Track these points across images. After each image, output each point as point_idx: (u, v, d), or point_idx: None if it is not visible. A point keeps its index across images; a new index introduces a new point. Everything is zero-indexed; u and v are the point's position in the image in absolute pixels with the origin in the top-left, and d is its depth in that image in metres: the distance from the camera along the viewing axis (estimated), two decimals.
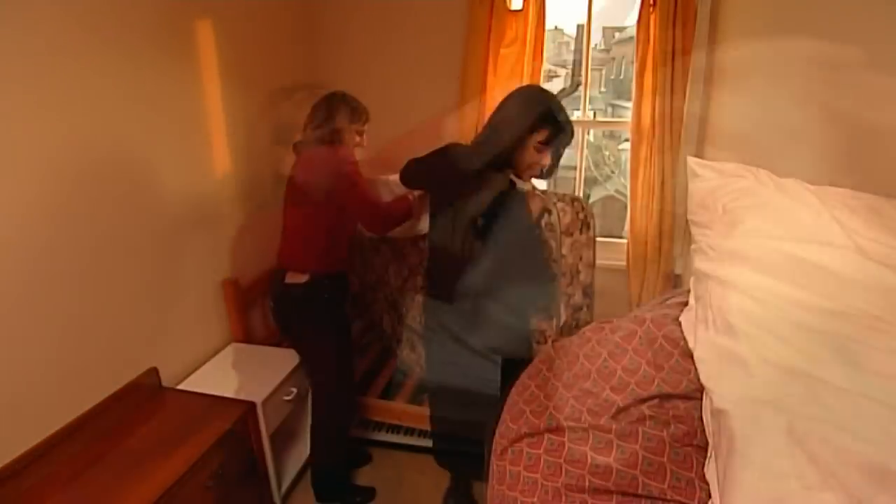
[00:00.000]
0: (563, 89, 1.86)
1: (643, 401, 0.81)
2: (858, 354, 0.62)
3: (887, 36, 1.05)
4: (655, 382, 0.84)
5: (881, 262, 0.90)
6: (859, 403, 0.56)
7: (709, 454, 0.72)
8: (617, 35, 5.67)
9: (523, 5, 2.43)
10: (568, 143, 1.54)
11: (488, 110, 2.57)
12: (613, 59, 5.86)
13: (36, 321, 1.41)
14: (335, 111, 1.80)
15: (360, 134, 1.87)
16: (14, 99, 1.32)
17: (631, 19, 2.36)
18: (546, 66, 2.61)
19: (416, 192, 1.85)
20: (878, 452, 0.51)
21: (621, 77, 5.54)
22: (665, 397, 0.82)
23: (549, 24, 2.48)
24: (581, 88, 2.66)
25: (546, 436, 0.86)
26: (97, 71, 1.54)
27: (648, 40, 2.30)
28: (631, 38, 2.40)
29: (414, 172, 1.74)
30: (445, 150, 1.61)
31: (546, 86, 2.58)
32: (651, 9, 2.27)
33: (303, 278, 1.78)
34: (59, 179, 1.45)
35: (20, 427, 1.38)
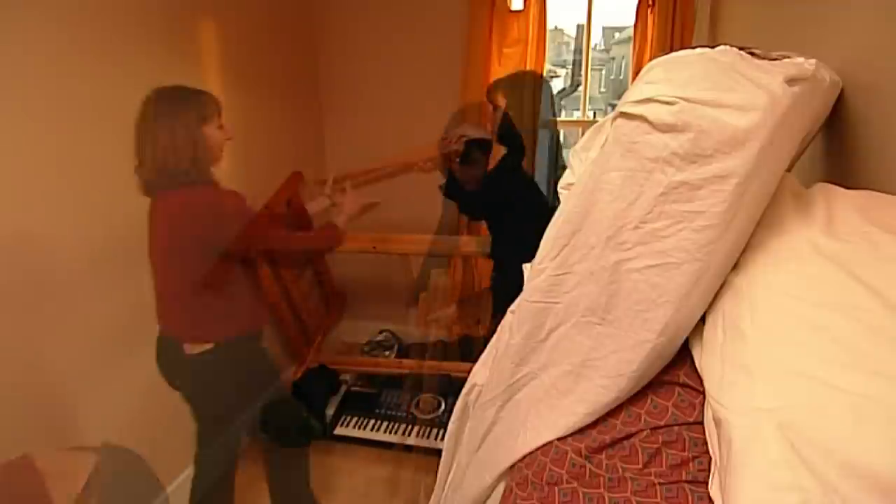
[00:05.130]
0: (563, 89, 1.90)
1: None
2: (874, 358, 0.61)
3: (888, 36, 1.05)
4: None
5: None
6: (866, 413, 0.55)
7: (712, 470, 0.71)
8: (617, 35, 5.66)
9: (524, 5, 2.42)
10: None
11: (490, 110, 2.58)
12: (613, 59, 5.85)
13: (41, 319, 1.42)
14: (178, 124, 1.29)
15: (221, 127, 1.39)
16: (17, 100, 1.33)
17: (630, 19, 2.36)
18: (546, 66, 2.60)
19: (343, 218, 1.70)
20: (883, 466, 0.50)
21: (621, 77, 5.53)
22: None
23: (549, 24, 2.48)
24: (581, 88, 2.65)
25: None
26: (96, 72, 1.55)
27: (647, 40, 2.29)
28: (630, 38, 2.39)
29: None
30: None
31: None
32: (649, 8, 2.26)
33: (207, 346, 1.42)
34: (63, 180, 1.46)
35: None
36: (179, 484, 1.95)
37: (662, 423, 0.85)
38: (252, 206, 1.41)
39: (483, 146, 1.76)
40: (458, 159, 1.87)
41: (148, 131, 1.29)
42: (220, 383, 1.47)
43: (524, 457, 0.93)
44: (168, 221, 1.34)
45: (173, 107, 1.29)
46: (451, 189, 1.93)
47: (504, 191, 1.73)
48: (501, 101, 1.73)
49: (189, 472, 1.98)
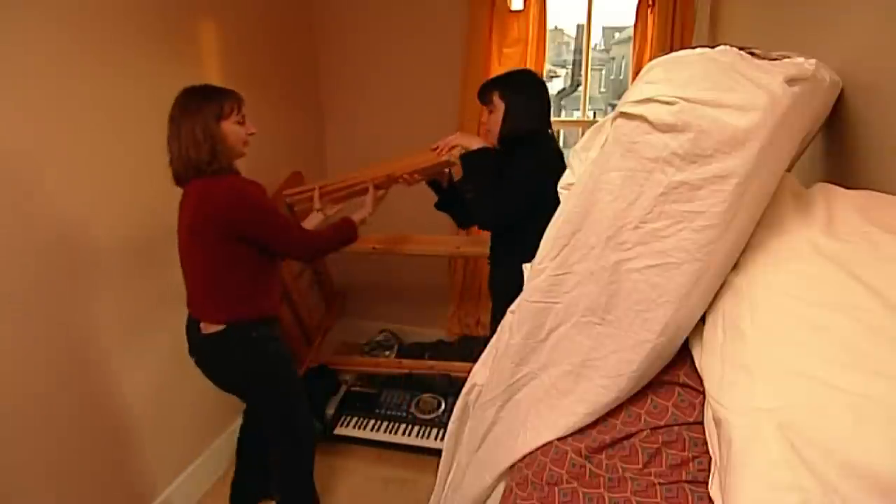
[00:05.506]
0: (563, 89, 1.85)
1: None
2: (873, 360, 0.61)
3: (886, 36, 1.05)
4: None
5: None
6: (866, 413, 0.55)
7: (712, 470, 0.71)
8: (617, 35, 5.67)
9: (524, 5, 2.42)
10: None
11: None
12: (613, 59, 5.86)
13: (39, 319, 1.43)
14: (198, 120, 1.40)
15: (242, 122, 1.51)
16: (20, 101, 1.33)
17: (630, 19, 2.36)
18: (546, 66, 2.60)
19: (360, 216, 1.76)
20: (883, 466, 0.50)
21: (621, 77, 5.54)
22: None
23: (549, 24, 2.48)
24: (581, 88, 2.65)
25: None
26: (96, 72, 1.55)
27: (647, 40, 2.29)
28: (630, 38, 2.39)
29: None
30: None
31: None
32: (649, 8, 2.26)
33: (219, 327, 1.50)
34: (69, 182, 1.46)
35: None
36: (182, 481, 1.95)
37: (662, 423, 0.85)
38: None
39: (481, 157, 1.64)
40: (451, 171, 1.82)
41: (174, 127, 1.41)
42: (231, 364, 1.56)
43: (524, 457, 0.93)
44: (191, 205, 1.44)
45: (194, 104, 1.41)
46: (445, 203, 1.91)
47: (504, 194, 1.64)
48: (497, 102, 1.66)
49: (191, 469, 1.99)
